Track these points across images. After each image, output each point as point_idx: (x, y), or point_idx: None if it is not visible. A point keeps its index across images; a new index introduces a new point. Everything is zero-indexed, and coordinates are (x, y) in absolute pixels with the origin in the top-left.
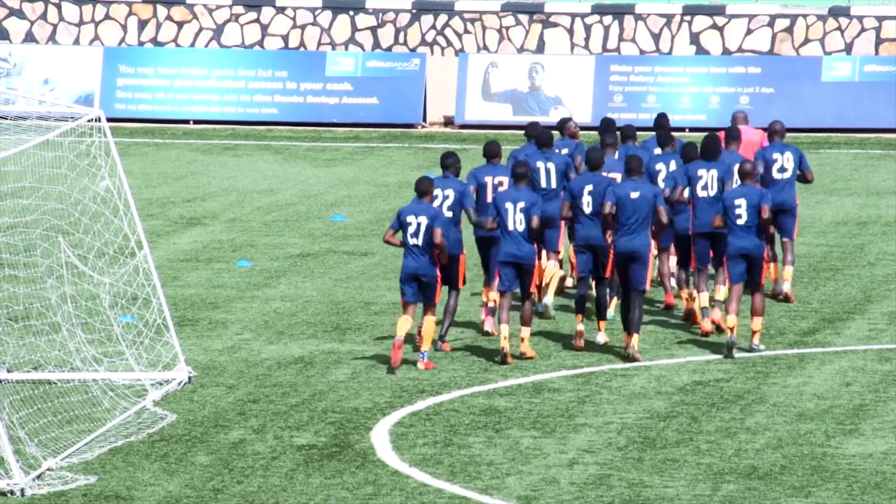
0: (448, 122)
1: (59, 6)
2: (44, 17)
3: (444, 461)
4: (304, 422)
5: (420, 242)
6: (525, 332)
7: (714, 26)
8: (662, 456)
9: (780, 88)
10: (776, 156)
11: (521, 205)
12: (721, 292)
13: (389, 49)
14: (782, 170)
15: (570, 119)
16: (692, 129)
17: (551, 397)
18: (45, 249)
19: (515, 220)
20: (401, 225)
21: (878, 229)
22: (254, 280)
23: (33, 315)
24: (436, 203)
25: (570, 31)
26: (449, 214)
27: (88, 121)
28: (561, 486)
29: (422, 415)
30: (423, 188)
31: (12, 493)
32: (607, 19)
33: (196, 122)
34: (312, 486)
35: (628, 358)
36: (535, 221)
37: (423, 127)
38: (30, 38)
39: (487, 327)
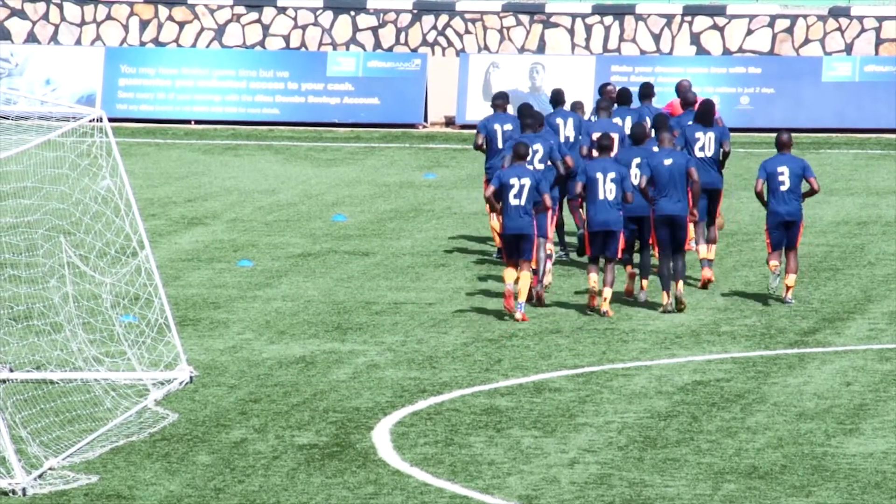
0: (449, 122)
1: (60, 6)
2: (45, 17)
3: (445, 461)
4: (306, 421)
5: (522, 203)
6: (607, 292)
7: (714, 27)
8: (663, 455)
9: (781, 89)
10: (781, 168)
11: (611, 175)
12: (711, 251)
13: (390, 49)
14: (782, 183)
15: (608, 84)
16: None
17: (552, 397)
18: (46, 249)
19: (606, 189)
20: (501, 186)
21: (878, 229)
22: (255, 280)
23: (35, 315)
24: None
25: (571, 32)
26: (541, 167)
27: (90, 121)
28: (562, 486)
29: (423, 414)
30: (522, 152)
31: (14, 492)
32: (608, 20)
33: (197, 122)
34: (313, 486)
35: (679, 303)
36: (630, 197)
37: (424, 127)
38: (32, 38)
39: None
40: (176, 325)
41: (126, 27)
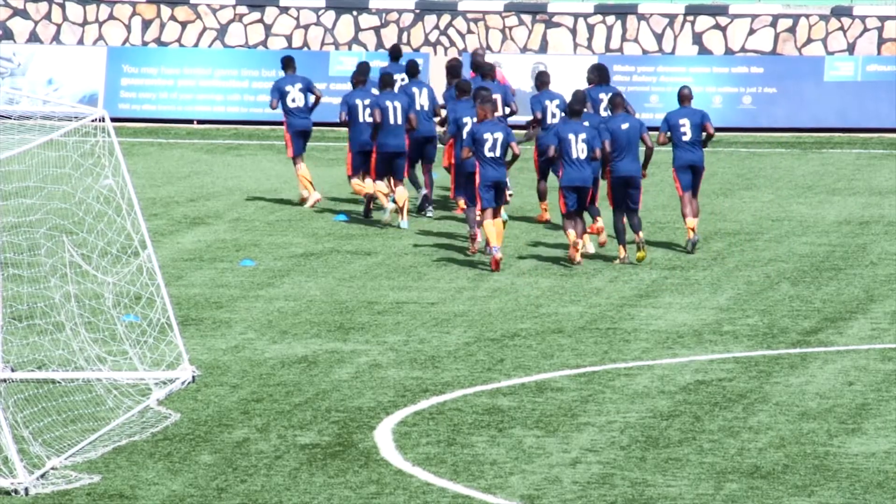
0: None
1: (63, 6)
2: (48, 17)
3: (447, 460)
4: (308, 421)
5: (497, 154)
6: (585, 242)
7: (717, 26)
8: (665, 455)
9: (783, 88)
10: (682, 121)
11: (582, 136)
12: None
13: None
14: (684, 134)
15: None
16: None
17: (554, 397)
18: (48, 249)
19: (578, 149)
20: (475, 142)
21: (880, 229)
22: (257, 279)
23: (37, 314)
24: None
25: (573, 31)
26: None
27: (92, 120)
28: (564, 486)
29: (425, 414)
30: (494, 108)
31: (16, 492)
32: (610, 19)
33: (200, 121)
34: (316, 486)
35: (639, 248)
36: (597, 153)
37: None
38: (34, 38)
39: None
40: (178, 324)
41: (128, 27)
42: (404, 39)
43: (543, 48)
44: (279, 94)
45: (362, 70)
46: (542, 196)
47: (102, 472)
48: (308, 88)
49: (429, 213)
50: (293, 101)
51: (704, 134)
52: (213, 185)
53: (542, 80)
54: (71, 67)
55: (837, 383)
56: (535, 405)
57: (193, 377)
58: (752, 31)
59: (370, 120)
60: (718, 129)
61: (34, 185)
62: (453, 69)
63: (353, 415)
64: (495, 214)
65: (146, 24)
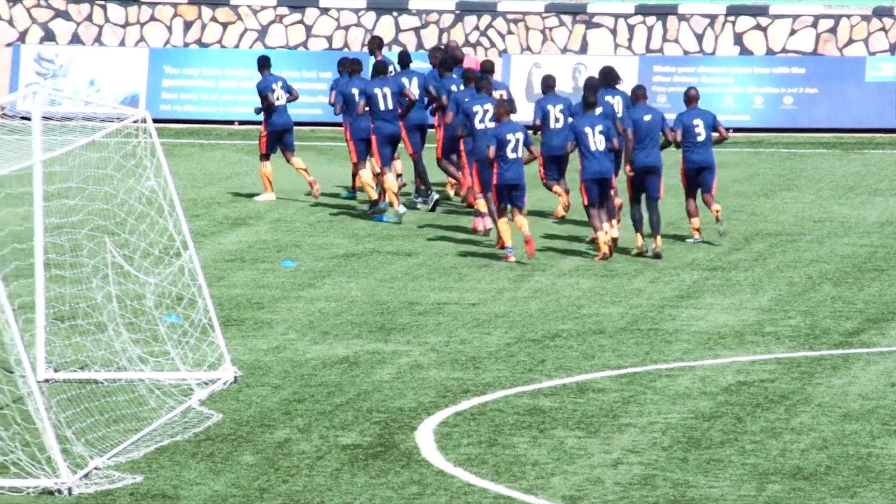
0: None
1: (104, 8)
2: (89, 18)
3: (488, 461)
4: (349, 421)
5: (519, 155)
6: (614, 232)
7: (758, 27)
8: (707, 456)
9: (824, 89)
10: (696, 121)
11: (598, 128)
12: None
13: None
14: (698, 135)
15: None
16: (736, 130)
17: (595, 397)
18: (91, 250)
19: (595, 141)
20: (498, 143)
21: None
22: (299, 280)
23: (79, 315)
24: (490, 118)
25: (614, 32)
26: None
27: (134, 122)
28: (606, 486)
29: (466, 415)
30: (513, 109)
31: (60, 492)
32: (651, 20)
33: (241, 122)
34: (357, 486)
35: (657, 255)
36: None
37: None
38: (76, 39)
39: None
40: (220, 325)
41: (170, 28)
42: (444, 40)
43: (583, 49)
44: (270, 92)
45: (356, 61)
46: (550, 188)
47: (145, 472)
48: (286, 88)
49: (419, 205)
50: (277, 99)
51: (716, 136)
52: (254, 185)
53: (546, 83)
54: (112, 69)
55: (880, 384)
56: (577, 406)
57: (235, 378)
58: (793, 32)
59: (367, 109)
60: (760, 130)
61: (76, 186)
62: (444, 62)
63: (395, 415)
64: (515, 214)
65: (187, 26)
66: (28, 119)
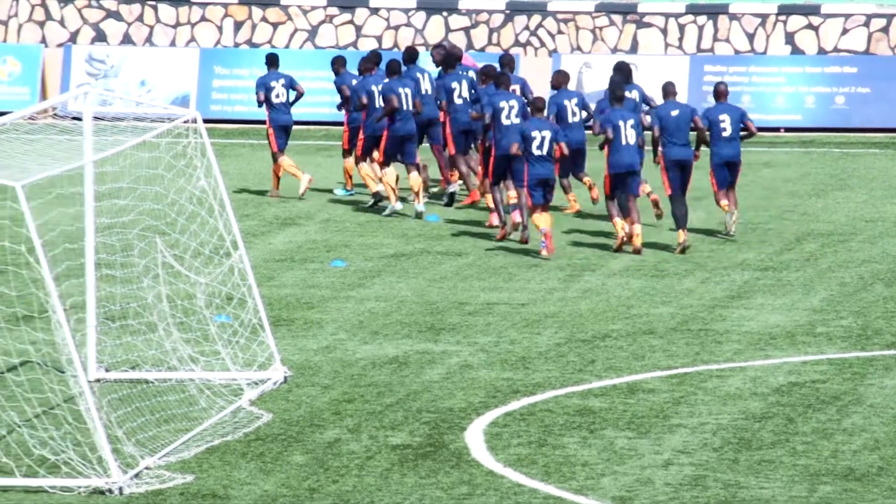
0: None
1: (155, 8)
2: (140, 19)
3: (538, 461)
4: (399, 421)
5: (545, 153)
6: (638, 229)
7: (809, 26)
8: (758, 457)
9: (877, 88)
10: (722, 116)
11: (630, 122)
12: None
13: (483, 50)
14: (724, 130)
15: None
16: (788, 130)
17: (646, 398)
18: (141, 249)
19: (627, 134)
20: (524, 139)
21: None
22: (348, 280)
23: (130, 315)
24: (515, 114)
25: (664, 31)
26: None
27: (184, 122)
28: (656, 487)
29: (516, 415)
30: (539, 105)
31: (111, 491)
32: (701, 19)
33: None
34: (407, 486)
35: (684, 250)
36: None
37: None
38: (127, 39)
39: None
40: (270, 325)
41: (220, 28)
42: (494, 40)
43: (634, 48)
44: (265, 89)
45: (371, 58)
46: (566, 190)
47: (195, 471)
48: (291, 85)
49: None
50: (277, 96)
51: (745, 132)
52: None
53: (559, 79)
54: (163, 69)
55: None
56: (627, 406)
57: (285, 377)
58: (844, 31)
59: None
60: (811, 130)
61: (127, 187)
62: (447, 61)
63: (444, 415)
64: (544, 210)
65: (238, 26)
66: (79, 119)
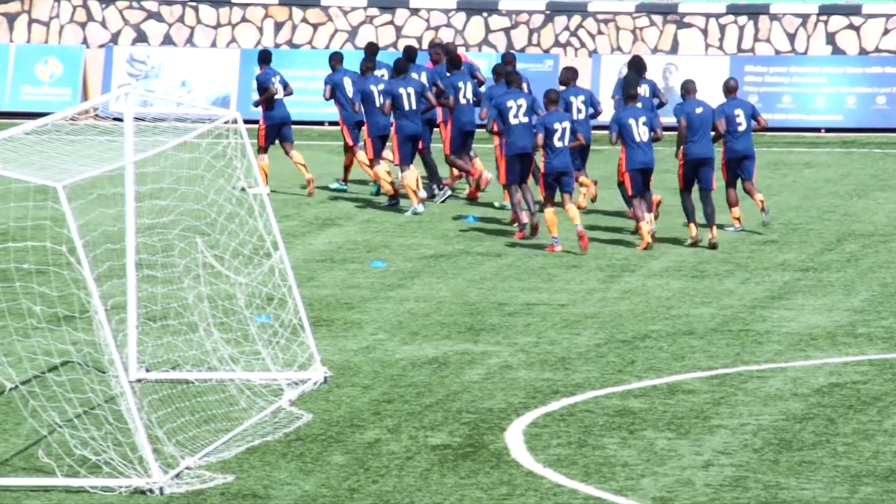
0: None
1: (196, 9)
2: (181, 20)
3: (578, 462)
4: (439, 422)
5: (565, 144)
6: (651, 220)
7: (850, 26)
8: (799, 458)
9: None
10: (737, 111)
11: (642, 119)
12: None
13: (523, 50)
14: (739, 125)
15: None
16: (828, 130)
17: (686, 398)
18: (182, 250)
19: (639, 132)
20: (546, 132)
21: None
22: (388, 281)
23: (171, 315)
24: (524, 112)
25: (705, 32)
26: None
27: (225, 122)
28: (696, 488)
29: (556, 415)
30: (553, 97)
31: (151, 491)
32: (742, 19)
33: (331, 123)
34: (447, 486)
35: (713, 246)
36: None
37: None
38: (167, 40)
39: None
40: (310, 325)
41: (260, 29)
42: (534, 41)
43: (674, 49)
44: (263, 87)
45: (370, 57)
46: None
47: (236, 471)
48: (284, 83)
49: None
50: (276, 93)
51: (756, 125)
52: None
53: (567, 75)
54: (204, 70)
55: None
56: (667, 407)
57: (325, 378)
58: (886, 31)
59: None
60: (852, 130)
61: (168, 187)
62: (452, 61)
63: (484, 416)
64: (564, 202)
65: (278, 27)
66: (120, 120)
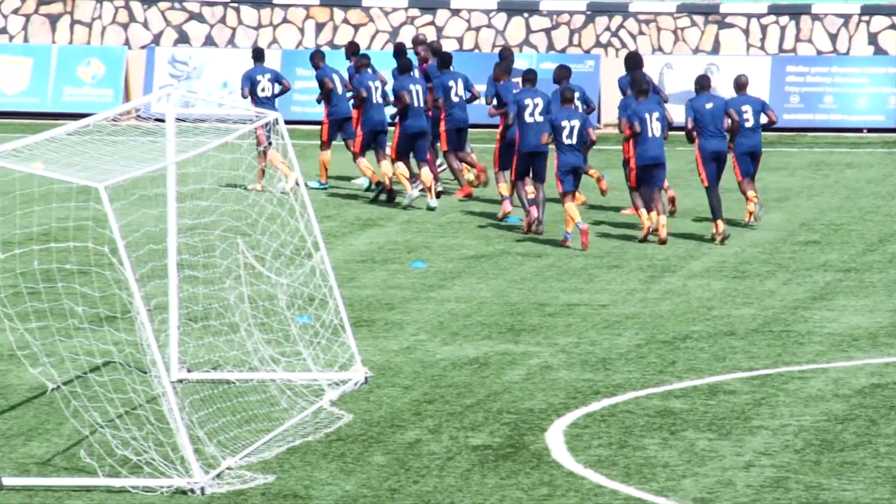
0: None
1: (237, 10)
2: (223, 20)
3: (619, 462)
4: (480, 422)
5: (574, 141)
6: (663, 220)
7: (893, 26)
8: (840, 459)
9: None
10: (745, 107)
11: (656, 115)
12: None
13: (563, 51)
14: (747, 120)
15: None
16: (870, 130)
17: (727, 399)
18: (223, 250)
19: (653, 127)
20: (554, 129)
21: None
22: (429, 281)
23: (212, 315)
24: (539, 111)
25: (746, 32)
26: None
27: (266, 123)
28: (737, 489)
29: (596, 416)
30: (569, 96)
31: (192, 491)
32: (784, 20)
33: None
34: (488, 487)
35: (724, 238)
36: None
37: (598, 129)
38: (209, 41)
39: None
40: (351, 325)
41: (302, 30)
42: (575, 41)
43: (716, 49)
44: (250, 83)
45: (364, 55)
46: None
47: (276, 472)
48: (276, 79)
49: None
50: (262, 90)
51: (766, 120)
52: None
53: (560, 73)
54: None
55: None
56: (708, 408)
57: (366, 378)
58: None
59: (381, 101)
60: (894, 130)
61: (209, 188)
62: (444, 60)
63: (525, 416)
64: (574, 197)
65: (319, 27)
66: (162, 121)
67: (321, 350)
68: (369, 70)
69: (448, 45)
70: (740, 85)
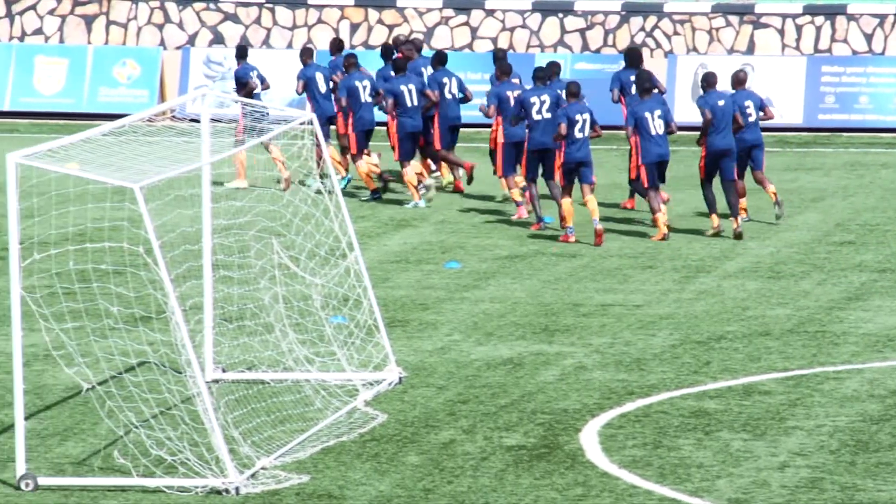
0: None
1: (272, 11)
2: (258, 21)
3: (653, 463)
4: (514, 422)
5: (586, 134)
6: (665, 210)
7: None
8: (876, 459)
9: None
10: (747, 102)
11: (657, 112)
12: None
13: (598, 51)
14: (749, 115)
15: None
16: None
17: (762, 400)
18: (258, 251)
19: (655, 125)
20: (569, 122)
21: None
22: (463, 281)
23: (247, 316)
24: (546, 108)
25: (781, 32)
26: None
27: (300, 124)
28: (772, 489)
29: (631, 416)
30: (575, 90)
31: (227, 491)
32: (819, 20)
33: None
34: (522, 487)
35: (738, 236)
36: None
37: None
38: (244, 42)
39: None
40: (385, 326)
41: (336, 30)
42: (609, 41)
43: (751, 49)
44: (242, 82)
45: (351, 53)
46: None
47: (311, 472)
48: (261, 78)
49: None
50: (255, 87)
51: (763, 115)
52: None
53: (551, 69)
54: (280, 71)
55: None
56: (742, 408)
57: (400, 378)
58: None
59: (370, 100)
60: None
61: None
62: (440, 58)
63: (559, 417)
64: (584, 194)
65: (354, 28)
66: (197, 121)
67: (355, 350)
68: (359, 69)
69: (482, 46)
70: (739, 80)
